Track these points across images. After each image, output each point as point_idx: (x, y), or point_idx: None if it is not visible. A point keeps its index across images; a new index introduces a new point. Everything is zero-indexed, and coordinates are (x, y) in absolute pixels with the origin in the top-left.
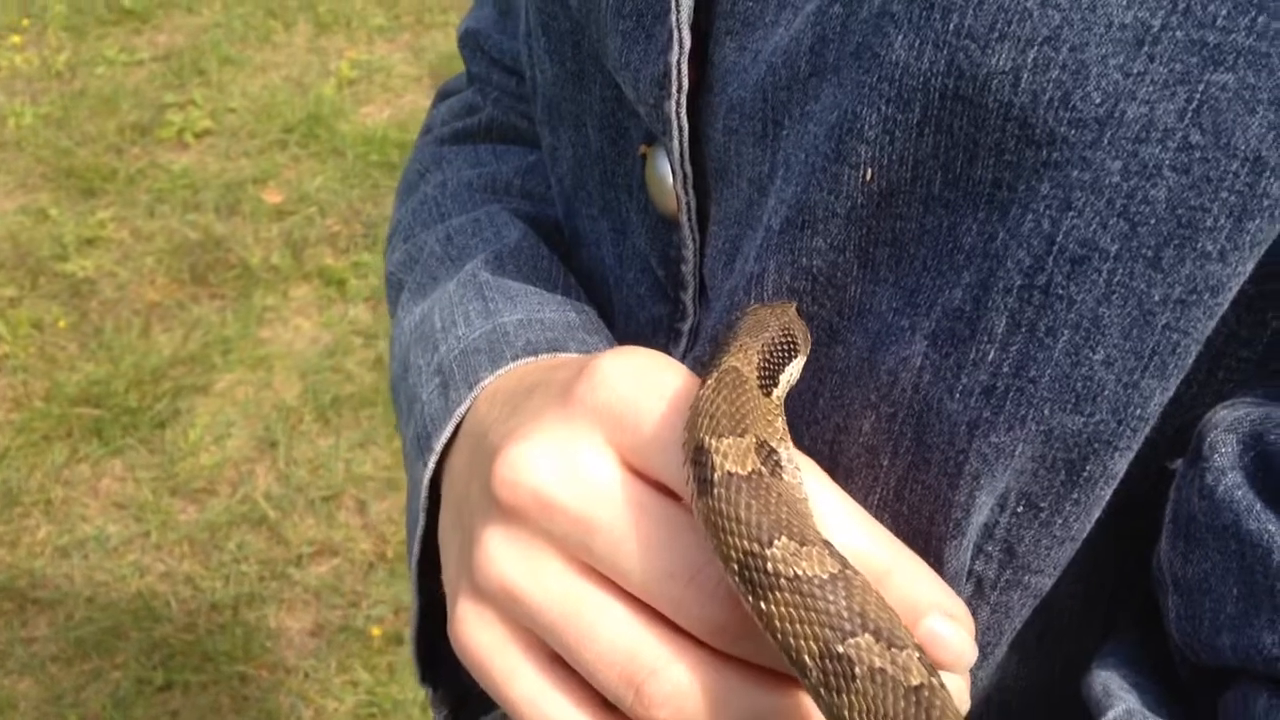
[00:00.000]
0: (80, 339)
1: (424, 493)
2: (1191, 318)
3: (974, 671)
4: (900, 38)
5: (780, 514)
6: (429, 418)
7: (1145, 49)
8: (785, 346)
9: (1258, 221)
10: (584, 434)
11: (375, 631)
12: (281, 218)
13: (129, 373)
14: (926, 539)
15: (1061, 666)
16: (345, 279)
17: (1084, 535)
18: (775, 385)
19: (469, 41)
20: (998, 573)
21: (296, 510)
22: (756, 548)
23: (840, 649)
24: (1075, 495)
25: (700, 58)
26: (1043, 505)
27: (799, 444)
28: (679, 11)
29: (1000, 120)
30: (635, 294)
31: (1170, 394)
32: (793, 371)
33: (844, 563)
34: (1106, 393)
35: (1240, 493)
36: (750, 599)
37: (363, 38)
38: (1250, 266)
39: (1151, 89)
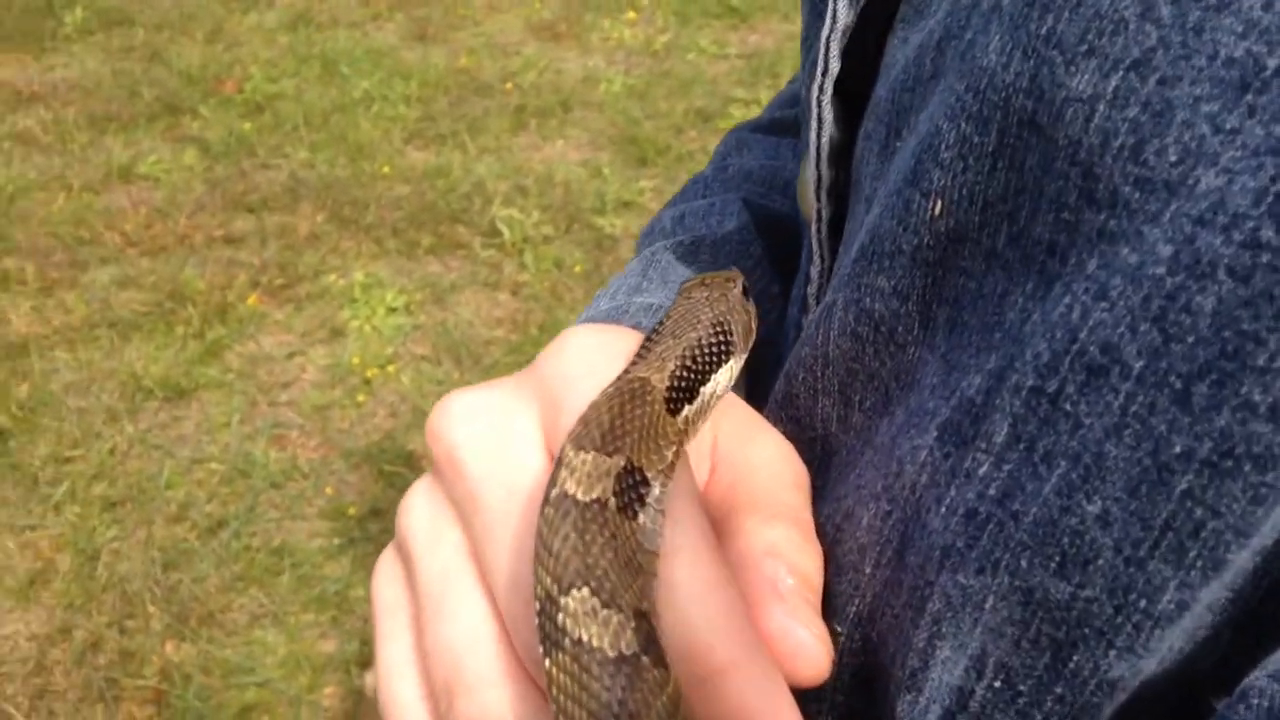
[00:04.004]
0: (587, 286)
1: None
2: (1225, 493)
3: None
4: (996, 38)
5: (600, 560)
6: None
7: (1248, 97)
8: (714, 350)
9: None
10: (522, 405)
11: None
12: None
13: None
14: (886, 682)
15: None
16: None
17: None
18: (689, 403)
19: None
20: None
21: None
22: (555, 590)
23: None
24: (1059, 690)
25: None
26: (1022, 689)
27: (817, 516)
28: None
29: (1067, 164)
30: (794, 306)
31: (1199, 597)
32: (720, 380)
33: (647, 648)
34: (1102, 563)
35: None
36: (540, 646)
37: None
38: None
39: (1238, 154)
